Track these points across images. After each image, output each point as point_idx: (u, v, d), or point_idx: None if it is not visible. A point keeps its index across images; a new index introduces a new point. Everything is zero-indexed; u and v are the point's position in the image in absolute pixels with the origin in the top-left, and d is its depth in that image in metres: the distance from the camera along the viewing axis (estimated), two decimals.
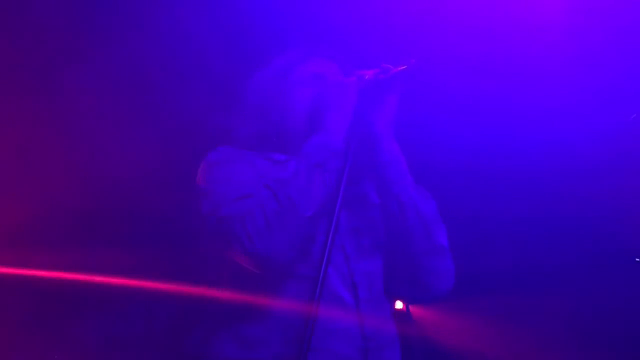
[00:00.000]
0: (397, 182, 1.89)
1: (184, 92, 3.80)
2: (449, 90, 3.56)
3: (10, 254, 4.38)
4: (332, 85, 1.92)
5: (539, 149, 4.04)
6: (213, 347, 1.88)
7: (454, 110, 3.72)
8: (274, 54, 2.16)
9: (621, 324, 4.20)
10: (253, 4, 3.35)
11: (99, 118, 3.96)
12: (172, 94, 3.81)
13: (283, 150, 2.01)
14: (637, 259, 4.43)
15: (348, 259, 1.89)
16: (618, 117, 3.83)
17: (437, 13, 3.23)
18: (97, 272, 4.53)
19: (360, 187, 2.00)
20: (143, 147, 4.02)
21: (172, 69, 3.69)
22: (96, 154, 4.11)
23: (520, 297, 4.29)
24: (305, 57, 2.10)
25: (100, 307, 4.74)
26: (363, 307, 1.85)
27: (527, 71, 3.62)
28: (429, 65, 1.87)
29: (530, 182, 4.19)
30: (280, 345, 1.76)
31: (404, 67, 1.81)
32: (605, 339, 4.18)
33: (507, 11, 3.33)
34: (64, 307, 4.57)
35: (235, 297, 1.89)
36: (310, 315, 1.58)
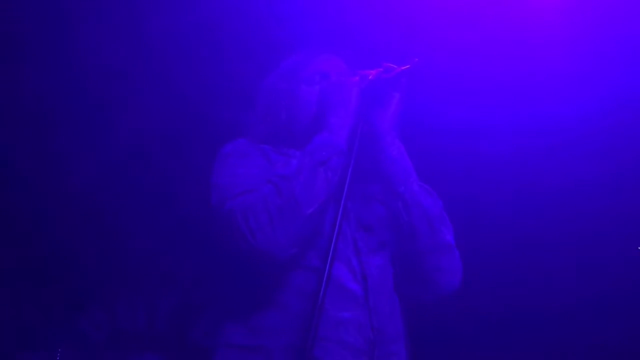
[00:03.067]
0: (401, 181, 1.91)
1: (197, 87, 3.82)
2: (451, 83, 3.58)
3: None
4: (335, 85, 1.93)
5: (542, 143, 4.06)
6: (221, 334, 1.89)
7: (456, 104, 3.74)
8: (285, 51, 2.19)
9: (624, 315, 4.21)
10: (267, 2, 3.38)
11: (102, 107, 3.99)
12: (186, 88, 3.83)
13: (293, 147, 2.01)
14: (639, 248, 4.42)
15: (359, 253, 1.90)
16: (620, 114, 3.85)
17: (440, 8, 3.25)
18: (102, 266, 4.56)
19: (371, 186, 2.00)
20: (150, 141, 4.05)
21: (186, 63, 3.71)
22: (105, 143, 4.14)
23: (523, 291, 4.30)
24: (313, 57, 2.11)
25: (105, 299, 4.77)
26: (372, 299, 1.87)
27: (530, 66, 3.65)
28: (431, 61, 1.90)
29: (532, 176, 4.20)
30: (289, 334, 1.78)
31: (407, 66, 1.83)
32: (608, 332, 4.19)
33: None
34: (69, 301, 4.60)
35: (244, 286, 1.90)
36: (317, 305, 1.60)
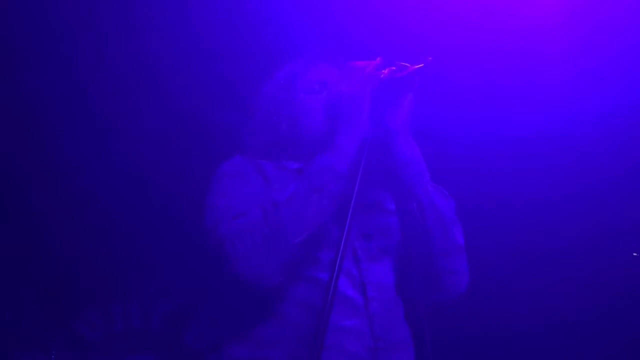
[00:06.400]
0: (416, 182, 1.88)
1: (189, 90, 3.81)
2: (457, 86, 3.56)
3: None
4: (345, 98, 1.88)
5: (539, 138, 4.06)
6: (221, 348, 1.87)
7: (463, 106, 3.73)
8: (281, 55, 2.16)
9: (621, 318, 4.22)
10: (261, 4, 3.35)
11: (103, 113, 3.97)
12: (178, 91, 3.81)
13: (295, 158, 2.01)
14: (635, 254, 4.43)
15: (358, 261, 1.89)
16: (623, 107, 3.85)
17: (444, 9, 3.24)
18: (97, 267, 4.54)
19: (374, 194, 1.98)
20: (146, 143, 4.03)
21: (178, 67, 3.69)
22: (98, 149, 4.12)
23: (523, 292, 4.31)
24: (310, 65, 2.08)
25: (100, 303, 4.75)
26: (372, 306, 1.85)
27: (534, 64, 3.64)
28: (442, 62, 1.87)
29: (529, 171, 4.20)
30: (289, 345, 1.77)
31: (421, 65, 1.80)
32: (605, 333, 4.20)
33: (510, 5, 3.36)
34: (64, 303, 4.58)
35: (243, 297, 1.88)
36: (323, 319, 1.58)
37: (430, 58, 1.79)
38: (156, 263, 4.64)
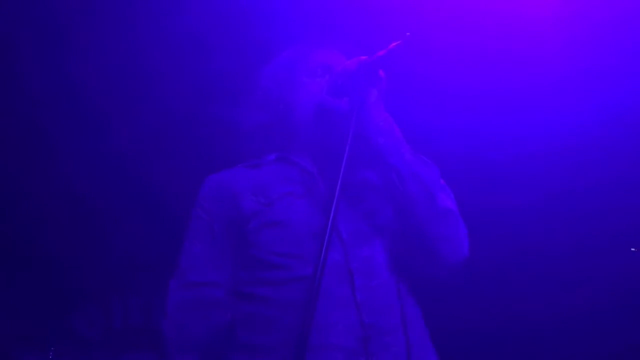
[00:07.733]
0: (393, 152, 1.86)
1: (182, 84, 3.81)
2: (442, 83, 3.56)
3: None
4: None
5: (536, 140, 4.05)
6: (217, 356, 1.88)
7: (454, 111, 3.73)
8: (274, 46, 2.17)
9: (617, 314, 4.22)
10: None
11: (93, 109, 3.98)
12: (174, 89, 3.82)
13: (288, 141, 2.02)
14: (633, 249, 4.43)
15: (345, 246, 1.85)
16: (616, 108, 3.84)
17: (437, 8, 3.24)
18: (97, 264, 4.55)
19: (357, 174, 1.97)
20: (145, 141, 4.04)
21: (171, 60, 3.69)
22: (97, 146, 4.13)
23: (517, 287, 4.31)
24: (313, 49, 2.08)
25: (100, 299, 4.77)
26: (360, 295, 1.80)
27: (523, 60, 3.63)
28: (425, 53, 1.87)
29: (526, 173, 4.19)
30: (282, 348, 1.75)
31: (399, 42, 1.80)
32: (604, 330, 4.20)
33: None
34: (64, 300, 4.60)
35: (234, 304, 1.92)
36: (307, 315, 1.55)
37: (408, 34, 1.78)
38: (155, 260, 4.64)
